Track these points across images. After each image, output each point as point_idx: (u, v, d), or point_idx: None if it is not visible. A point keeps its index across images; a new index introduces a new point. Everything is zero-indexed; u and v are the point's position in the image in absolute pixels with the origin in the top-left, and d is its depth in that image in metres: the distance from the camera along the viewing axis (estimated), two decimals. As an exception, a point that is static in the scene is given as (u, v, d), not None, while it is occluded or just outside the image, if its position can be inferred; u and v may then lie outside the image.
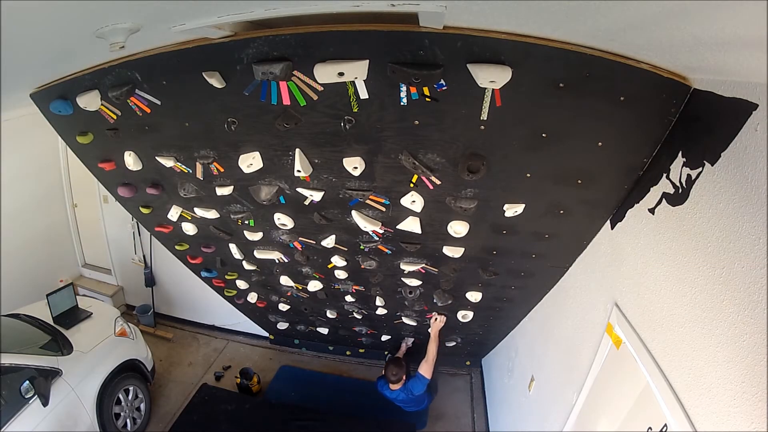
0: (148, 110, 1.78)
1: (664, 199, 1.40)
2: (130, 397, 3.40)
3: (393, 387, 3.37)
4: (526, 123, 1.49)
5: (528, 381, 2.66)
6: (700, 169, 1.21)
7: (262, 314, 3.86)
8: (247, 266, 2.90)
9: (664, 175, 1.40)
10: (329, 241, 2.37)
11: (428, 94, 1.45)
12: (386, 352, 3.89)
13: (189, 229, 2.58)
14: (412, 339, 3.69)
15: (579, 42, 1.23)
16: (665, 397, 1.24)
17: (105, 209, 4.50)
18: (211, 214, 2.36)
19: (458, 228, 2.02)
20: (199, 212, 2.35)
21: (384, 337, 3.77)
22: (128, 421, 3.36)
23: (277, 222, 2.27)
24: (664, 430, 1.28)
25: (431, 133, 1.60)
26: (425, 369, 3.28)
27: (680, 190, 1.31)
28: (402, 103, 1.50)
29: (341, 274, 2.75)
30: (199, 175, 2.08)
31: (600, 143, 1.49)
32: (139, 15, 1.03)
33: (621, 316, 1.58)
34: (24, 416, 2.59)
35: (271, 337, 4.45)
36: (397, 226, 2.11)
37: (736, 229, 1.05)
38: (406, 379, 3.34)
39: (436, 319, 3.15)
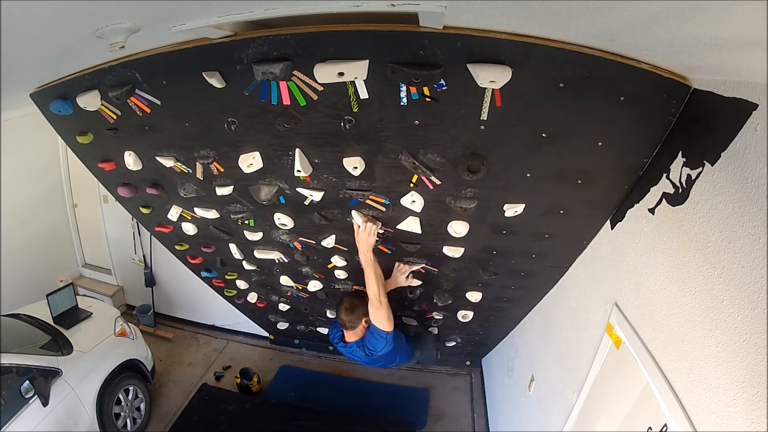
0: (148, 110, 1.78)
1: (664, 199, 1.40)
2: (130, 397, 3.40)
3: (347, 338, 2.46)
4: (526, 123, 1.49)
5: (528, 381, 2.65)
6: (700, 169, 1.21)
7: (262, 314, 3.86)
8: (247, 266, 2.90)
9: (664, 175, 1.40)
10: (329, 241, 2.37)
11: (428, 94, 1.45)
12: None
13: (189, 229, 2.57)
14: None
15: (579, 42, 1.23)
16: (665, 397, 1.24)
17: (105, 209, 4.50)
18: (211, 214, 2.36)
19: (458, 228, 2.01)
20: (199, 212, 2.35)
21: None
22: (128, 421, 3.36)
23: (277, 222, 2.27)
24: (664, 430, 1.28)
25: (431, 133, 1.60)
26: (375, 317, 2.30)
27: (680, 190, 1.31)
28: (402, 103, 1.50)
29: (341, 274, 2.74)
30: (199, 175, 2.08)
31: (600, 143, 1.49)
32: (139, 15, 1.03)
33: (621, 316, 1.58)
34: (24, 416, 2.59)
35: (271, 337, 4.45)
36: (397, 226, 2.11)
37: (736, 229, 1.05)
38: (367, 329, 2.41)
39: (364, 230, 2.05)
